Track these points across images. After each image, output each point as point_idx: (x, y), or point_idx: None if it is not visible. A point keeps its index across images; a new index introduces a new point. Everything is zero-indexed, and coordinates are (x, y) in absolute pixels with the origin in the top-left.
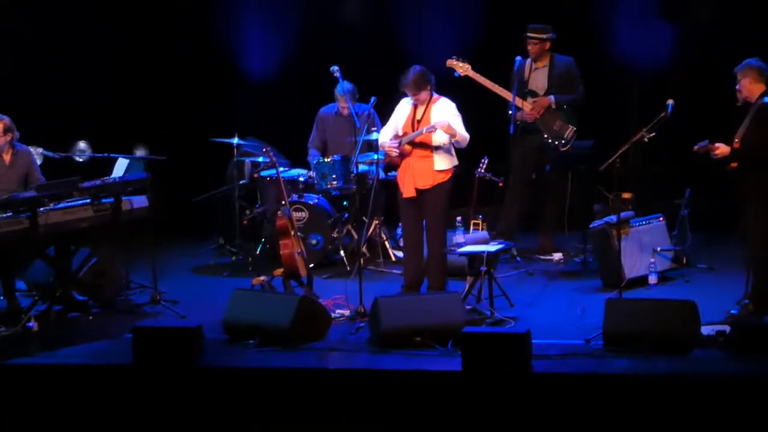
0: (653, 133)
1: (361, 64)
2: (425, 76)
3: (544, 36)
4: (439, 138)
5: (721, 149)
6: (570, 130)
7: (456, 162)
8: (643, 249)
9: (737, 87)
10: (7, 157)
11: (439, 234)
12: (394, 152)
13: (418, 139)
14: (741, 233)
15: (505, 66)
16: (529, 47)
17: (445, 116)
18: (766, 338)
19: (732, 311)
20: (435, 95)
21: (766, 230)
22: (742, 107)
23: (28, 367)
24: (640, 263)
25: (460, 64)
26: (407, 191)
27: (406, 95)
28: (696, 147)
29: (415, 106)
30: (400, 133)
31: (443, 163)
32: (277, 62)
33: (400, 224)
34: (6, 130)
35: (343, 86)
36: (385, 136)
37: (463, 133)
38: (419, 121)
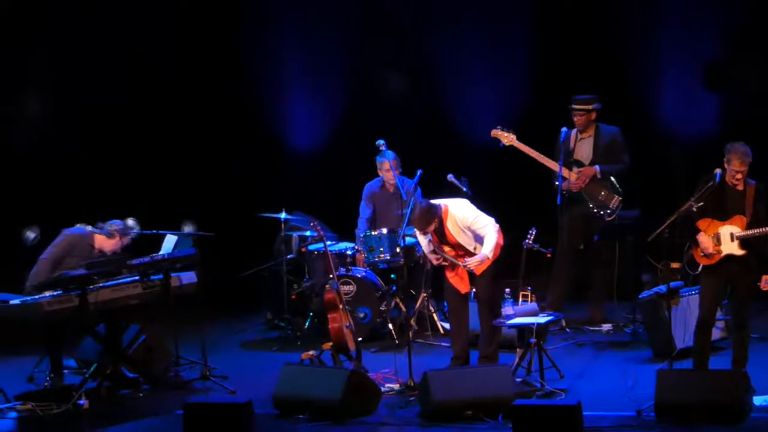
0: (701, 203)
1: (406, 136)
2: (432, 210)
3: (590, 107)
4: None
5: None
6: (615, 200)
7: (501, 240)
8: (694, 319)
9: (740, 171)
10: None
11: (491, 306)
12: (443, 264)
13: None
14: None
15: (549, 136)
16: (575, 118)
17: (464, 230)
18: None
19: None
20: (442, 206)
21: None
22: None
23: None
24: (690, 333)
25: (505, 134)
26: (463, 288)
27: None
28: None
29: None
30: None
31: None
32: (323, 136)
33: None
34: None
35: (387, 154)
36: (423, 242)
37: (491, 240)
38: (445, 237)
